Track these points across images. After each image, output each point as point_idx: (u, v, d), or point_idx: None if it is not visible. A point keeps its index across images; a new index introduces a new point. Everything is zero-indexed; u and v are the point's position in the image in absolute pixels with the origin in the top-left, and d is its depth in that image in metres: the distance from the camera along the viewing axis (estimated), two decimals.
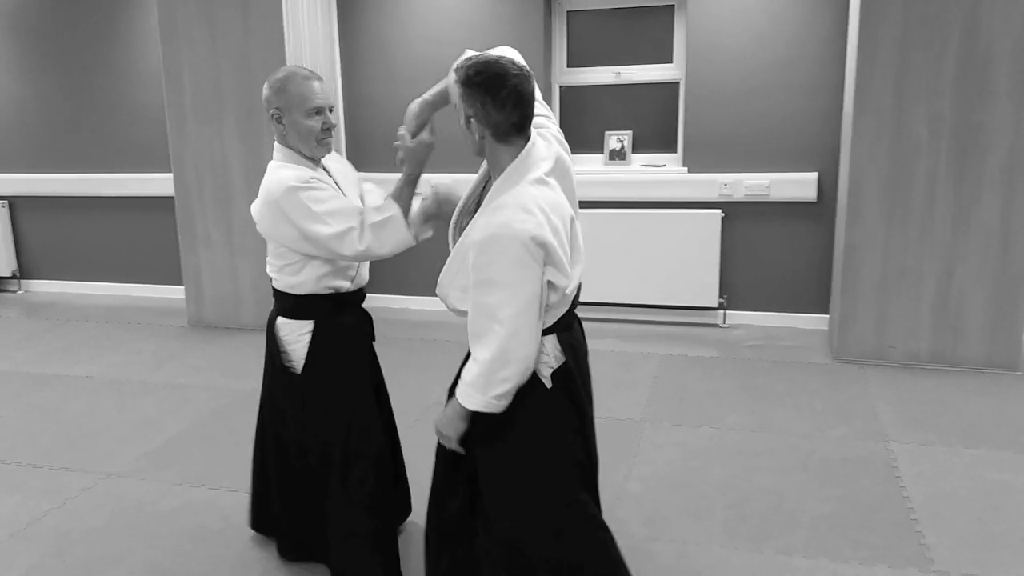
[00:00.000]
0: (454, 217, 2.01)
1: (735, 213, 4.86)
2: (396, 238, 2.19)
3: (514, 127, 1.81)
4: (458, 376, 1.93)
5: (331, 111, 2.28)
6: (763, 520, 2.74)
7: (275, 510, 2.51)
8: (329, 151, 2.34)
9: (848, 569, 2.45)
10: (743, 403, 3.76)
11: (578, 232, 1.91)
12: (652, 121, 5.14)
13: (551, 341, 1.90)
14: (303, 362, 2.31)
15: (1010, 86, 3.82)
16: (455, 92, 1.85)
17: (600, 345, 4.55)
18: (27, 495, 3.02)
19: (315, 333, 2.31)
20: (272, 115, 2.24)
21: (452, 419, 1.91)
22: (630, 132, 5.13)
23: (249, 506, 2.66)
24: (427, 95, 2.13)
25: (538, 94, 1.96)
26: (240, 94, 4.85)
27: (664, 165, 5.04)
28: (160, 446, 3.42)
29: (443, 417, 1.94)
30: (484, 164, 1.95)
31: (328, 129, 2.26)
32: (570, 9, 5.13)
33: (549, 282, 1.81)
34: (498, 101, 1.77)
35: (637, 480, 3.05)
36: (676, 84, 5.02)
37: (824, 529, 2.67)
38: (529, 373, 1.83)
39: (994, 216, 3.96)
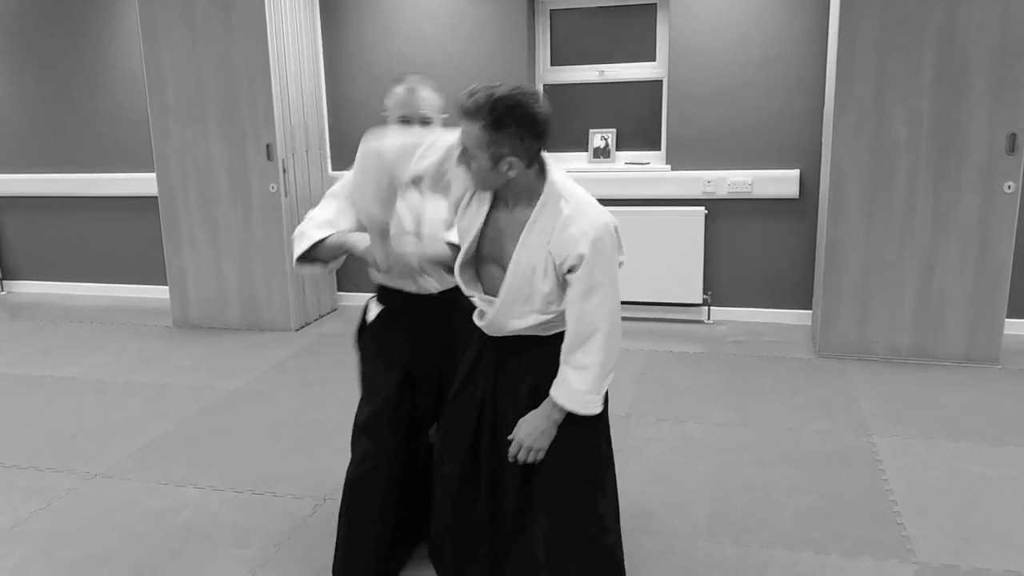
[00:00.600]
0: (460, 262, 1.98)
1: (718, 210, 4.90)
2: (294, 255, 2.28)
3: (543, 147, 1.83)
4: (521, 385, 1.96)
5: (425, 122, 2.31)
6: (747, 514, 2.77)
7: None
8: None
9: (831, 561, 2.48)
10: (727, 398, 3.79)
11: None
12: (636, 119, 5.17)
13: None
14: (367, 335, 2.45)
15: (986, 87, 3.87)
16: (475, 139, 1.76)
17: None
18: (12, 496, 3.00)
19: (377, 316, 2.42)
20: (384, 114, 2.37)
21: (548, 430, 1.91)
22: (614, 130, 5.16)
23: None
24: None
25: None
26: (223, 95, 4.83)
27: (648, 163, 5.06)
28: (145, 446, 3.41)
29: (535, 431, 1.91)
30: (464, 208, 1.95)
31: None
32: (553, 7, 5.15)
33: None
34: (538, 131, 1.76)
35: (623, 475, 3.05)
36: (659, 82, 5.05)
37: (807, 522, 2.70)
38: None
39: (972, 214, 4.01)
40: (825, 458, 3.16)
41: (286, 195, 4.93)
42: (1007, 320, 4.24)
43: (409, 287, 2.35)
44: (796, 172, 4.73)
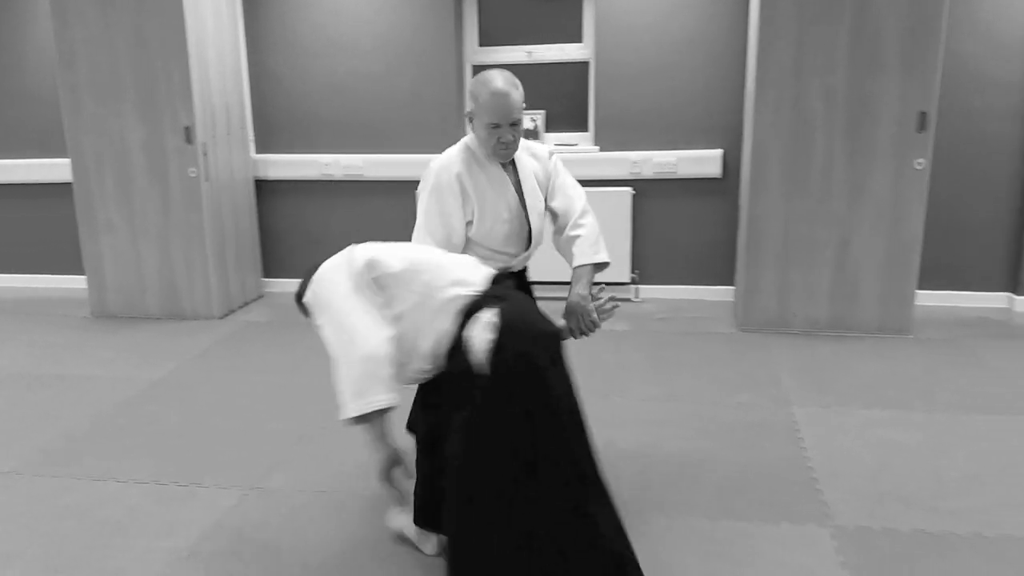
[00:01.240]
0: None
1: (645, 190, 4.96)
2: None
3: None
4: None
5: (515, 125, 2.35)
6: (669, 485, 2.82)
7: None
8: (506, 160, 2.49)
9: (751, 528, 2.55)
10: (652, 374, 3.86)
11: None
12: (564, 100, 5.18)
13: None
14: None
15: (896, 61, 4.00)
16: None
17: None
18: None
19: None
20: (467, 113, 2.45)
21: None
22: (543, 112, 5.16)
23: None
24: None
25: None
26: (138, 72, 4.65)
27: (576, 144, 5.09)
28: (59, 440, 3.29)
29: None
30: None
31: (505, 143, 2.39)
32: None
33: None
34: None
35: None
36: (586, 64, 5.06)
37: (728, 491, 2.77)
38: None
39: (885, 187, 4.15)
40: (746, 429, 3.24)
41: (207, 179, 4.79)
42: (918, 291, 4.42)
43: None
44: (719, 152, 4.81)
